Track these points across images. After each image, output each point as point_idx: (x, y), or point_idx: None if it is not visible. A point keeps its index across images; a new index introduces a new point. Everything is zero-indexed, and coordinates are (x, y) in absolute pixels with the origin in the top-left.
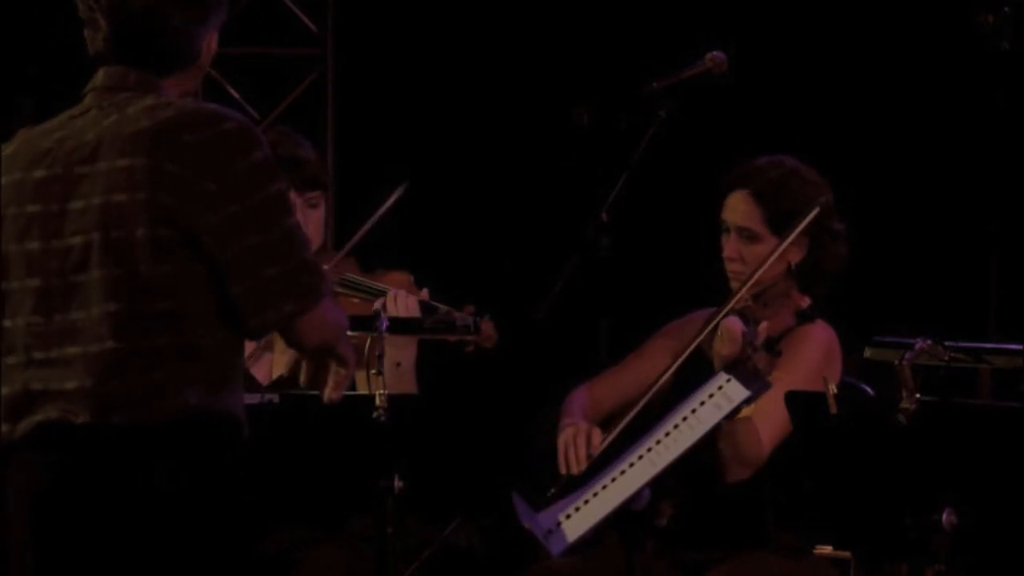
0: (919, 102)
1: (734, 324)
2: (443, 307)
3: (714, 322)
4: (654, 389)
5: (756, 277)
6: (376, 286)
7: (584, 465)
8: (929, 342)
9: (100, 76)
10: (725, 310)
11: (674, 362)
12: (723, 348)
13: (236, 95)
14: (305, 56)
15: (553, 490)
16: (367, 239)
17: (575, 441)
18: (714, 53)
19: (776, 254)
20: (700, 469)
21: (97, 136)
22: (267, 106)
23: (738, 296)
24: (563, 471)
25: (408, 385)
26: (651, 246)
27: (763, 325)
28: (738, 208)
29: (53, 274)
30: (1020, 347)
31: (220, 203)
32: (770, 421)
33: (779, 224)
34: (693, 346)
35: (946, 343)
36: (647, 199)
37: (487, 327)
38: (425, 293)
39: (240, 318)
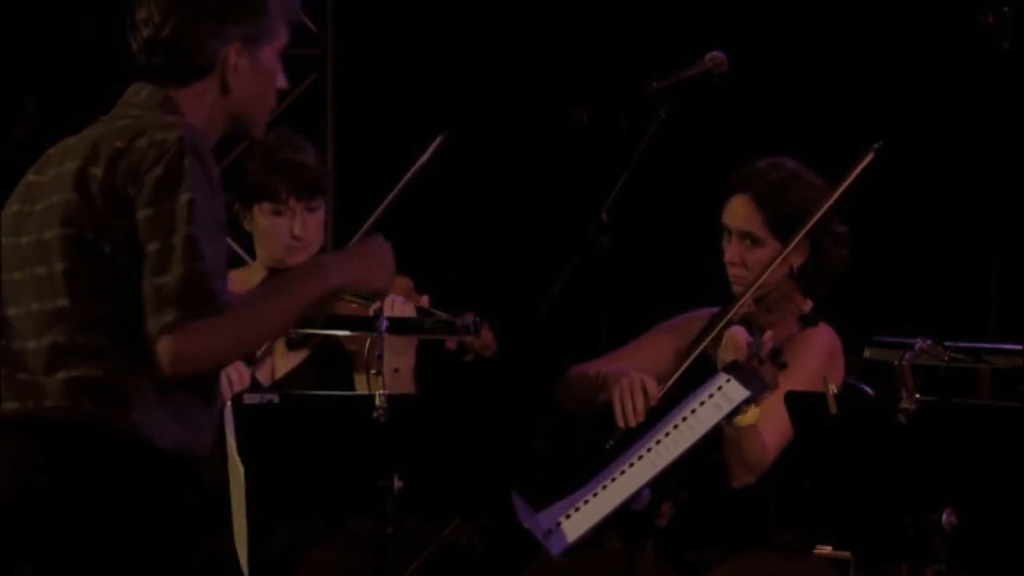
0: (919, 102)
1: (739, 333)
2: (442, 315)
3: (717, 328)
4: (698, 351)
5: (762, 280)
6: None
7: (642, 417)
8: (929, 342)
9: (128, 91)
10: (728, 316)
11: (677, 360)
12: (728, 356)
13: None
14: (305, 56)
15: (611, 442)
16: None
17: (631, 392)
18: (714, 53)
19: (747, 296)
20: (700, 469)
21: (75, 144)
22: None
23: (742, 301)
24: (621, 424)
25: (407, 391)
26: (651, 246)
27: (768, 335)
28: (739, 212)
29: (4, 272)
30: (1020, 347)
31: (134, 208)
32: (775, 426)
33: (780, 227)
34: (698, 351)
35: (946, 343)
36: (647, 199)
37: (486, 335)
38: (425, 300)
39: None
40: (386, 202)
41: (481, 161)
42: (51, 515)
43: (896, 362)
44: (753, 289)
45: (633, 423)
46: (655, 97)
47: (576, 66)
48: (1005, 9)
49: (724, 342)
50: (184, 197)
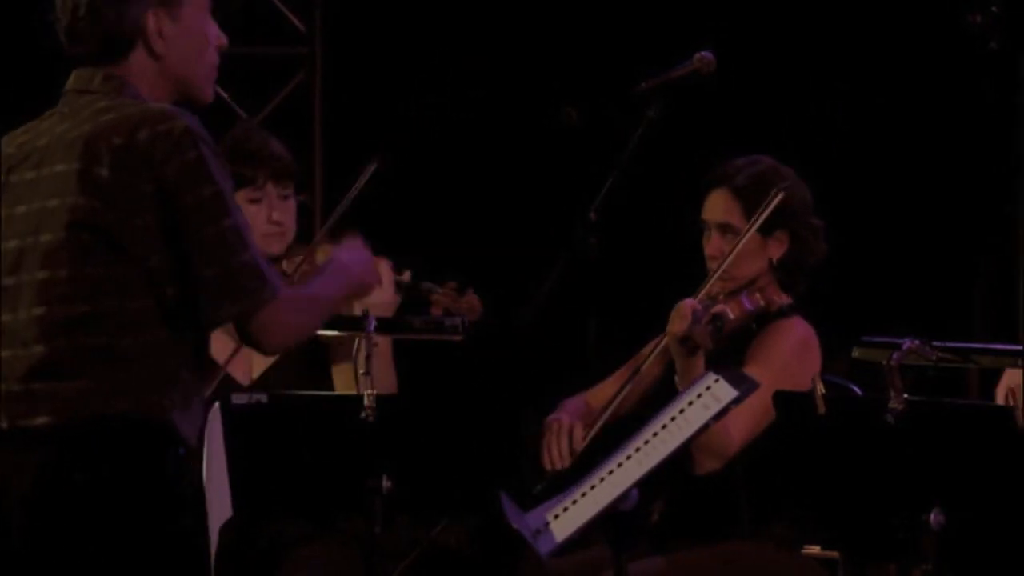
0: (908, 102)
1: (686, 303)
2: (426, 284)
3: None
4: (627, 388)
5: (724, 265)
6: None
7: (567, 461)
8: (917, 342)
9: (71, 78)
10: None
11: (664, 364)
12: (673, 325)
13: (224, 94)
14: (293, 56)
15: (539, 486)
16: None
17: (558, 437)
18: (702, 53)
19: (742, 242)
20: (675, 464)
21: (47, 142)
22: (255, 106)
23: (708, 284)
24: (547, 467)
25: (386, 365)
26: (640, 246)
27: (719, 307)
28: (717, 206)
29: None
30: (1007, 347)
31: (151, 205)
32: (742, 413)
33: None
34: (653, 350)
35: (934, 343)
36: (636, 199)
37: (472, 299)
38: (407, 275)
39: (176, 318)
40: (321, 231)
41: (469, 159)
42: (87, 508)
43: (884, 362)
44: (720, 270)
45: (559, 466)
46: (644, 97)
47: (565, 65)
48: (993, 9)
49: (672, 313)
50: (211, 189)
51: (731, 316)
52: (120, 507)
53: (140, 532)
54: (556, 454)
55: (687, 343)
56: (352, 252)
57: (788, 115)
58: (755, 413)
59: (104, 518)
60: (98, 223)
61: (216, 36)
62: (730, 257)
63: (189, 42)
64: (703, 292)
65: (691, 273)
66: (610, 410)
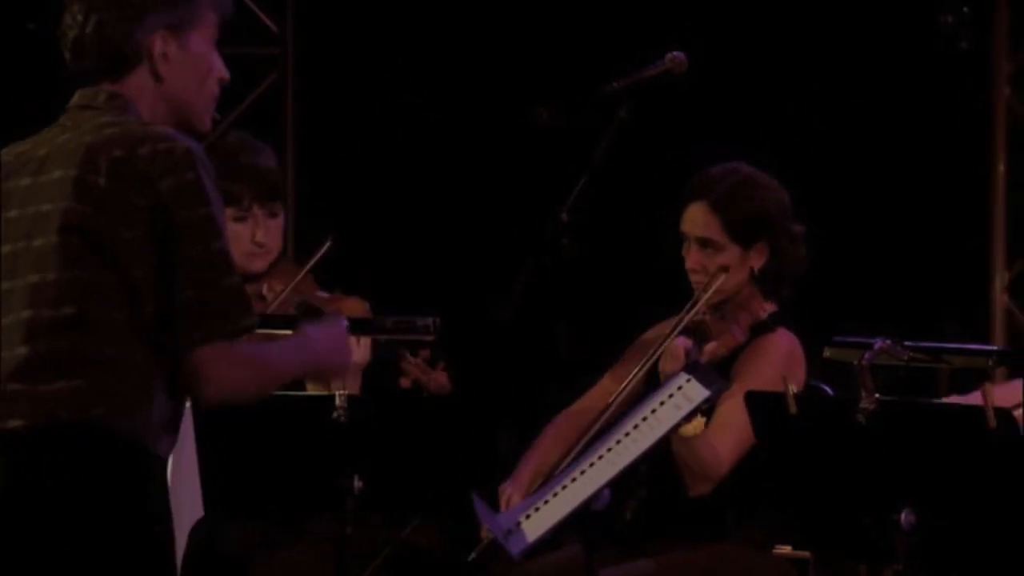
0: (883, 102)
1: (678, 344)
2: (400, 350)
3: (668, 338)
4: (611, 409)
5: (719, 285)
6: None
7: None
8: (888, 342)
9: (75, 96)
10: (682, 324)
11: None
12: (666, 365)
13: None
14: (265, 56)
15: (474, 555)
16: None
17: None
18: (674, 53)
19: (706, 297)
20: (661, 472)
21: (47, 152)
22: (227, 106)
23: (696, 308)
24: (483, 535)
25: (353, 386)
26: (612, 247)
27: (711, 346)
28: (696, 219)
29: None
30: (978, 347)
31: (144, 219)
32: (731, 433)
33: (737, 231)
34: (650, 363)
35: (905, 343)
36: (608, 199)
37: (441, 377)
38: None
39: (153, 336)
40: (285, 291)
41: (441, 159)
42: (56, 514)
43: (856, 362)
44: (708, 295)
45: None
46: (616, 97)
47: (536, 65)
48: (965, 9)
49: (665, 351)
50: (205, 210)
51: (723, 352)
52: (89, 515)
53: (108, 540)
54: None
55: None
56: (328, 332)
57: (761, 115)
58: (745, 433)
59: (72, 525)
60: (89, 228)
61: (219, 69)
62: (709, 292)
63: (192, 69)
64: (687, 318)
65: (664, 274)
66: (593, 431)
